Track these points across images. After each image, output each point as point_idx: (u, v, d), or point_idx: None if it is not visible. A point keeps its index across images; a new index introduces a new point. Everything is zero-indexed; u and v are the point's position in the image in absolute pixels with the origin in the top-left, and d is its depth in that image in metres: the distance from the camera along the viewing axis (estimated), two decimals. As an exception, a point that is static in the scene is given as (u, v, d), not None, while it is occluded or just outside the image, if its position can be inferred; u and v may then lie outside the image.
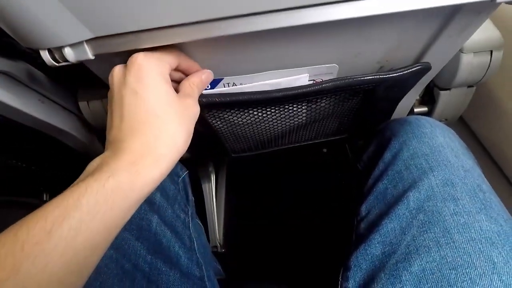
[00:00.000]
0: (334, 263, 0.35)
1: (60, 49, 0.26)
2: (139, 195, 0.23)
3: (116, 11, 0.23)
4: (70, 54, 0.26)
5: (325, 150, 0.91)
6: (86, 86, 0.44)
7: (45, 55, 0.26)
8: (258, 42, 0.29)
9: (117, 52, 0.26)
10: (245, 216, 0.84)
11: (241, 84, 0.34)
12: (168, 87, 0.26)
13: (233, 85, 0.35)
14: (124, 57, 0.31)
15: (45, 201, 0.21)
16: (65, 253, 0.19)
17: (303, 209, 0.81)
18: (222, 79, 0.34)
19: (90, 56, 0.27)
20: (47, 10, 0.23)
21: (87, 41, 0.26)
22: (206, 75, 0.31)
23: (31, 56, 0.41)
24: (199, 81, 0.30)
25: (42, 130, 0.46)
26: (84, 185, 0.21)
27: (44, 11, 0.23)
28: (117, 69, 0.27)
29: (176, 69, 0.29)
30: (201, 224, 0.53)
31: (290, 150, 0.57)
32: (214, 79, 0.34)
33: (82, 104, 0.45)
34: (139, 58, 0.26)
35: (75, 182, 0.23)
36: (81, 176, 0.24)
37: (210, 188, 0.85)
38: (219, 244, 0.80)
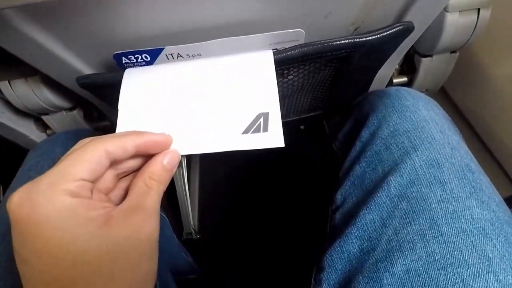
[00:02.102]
0: (312, 259, 0.31)
1: None
2: None
3: None
4: None
5: (302, 127, 0.86)
6: (4, 62, 0.36)
7: None
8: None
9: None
10: (221, 199, 0.80)
11: (187, 55, 0.28)
12: (86, 230, 0.16)
13: (178, 57, 0.28)
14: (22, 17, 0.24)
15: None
16: None
17: (282, 192, 0.77)
18: (162, 49, 0.27)
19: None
20: None
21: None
22: (170, 157, 0.21)
23: None
24: (160, 170, 0.20)
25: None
26: None
27: None
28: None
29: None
30: (164, 216, 0.48)
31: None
32: (152, 49, 0.27)
33: (3, 85, 0.37)
34: (16, 210, 0.16)
35: None
36: None
37: (181, 173, 0.79)
38: (194, 230, 0.76)
